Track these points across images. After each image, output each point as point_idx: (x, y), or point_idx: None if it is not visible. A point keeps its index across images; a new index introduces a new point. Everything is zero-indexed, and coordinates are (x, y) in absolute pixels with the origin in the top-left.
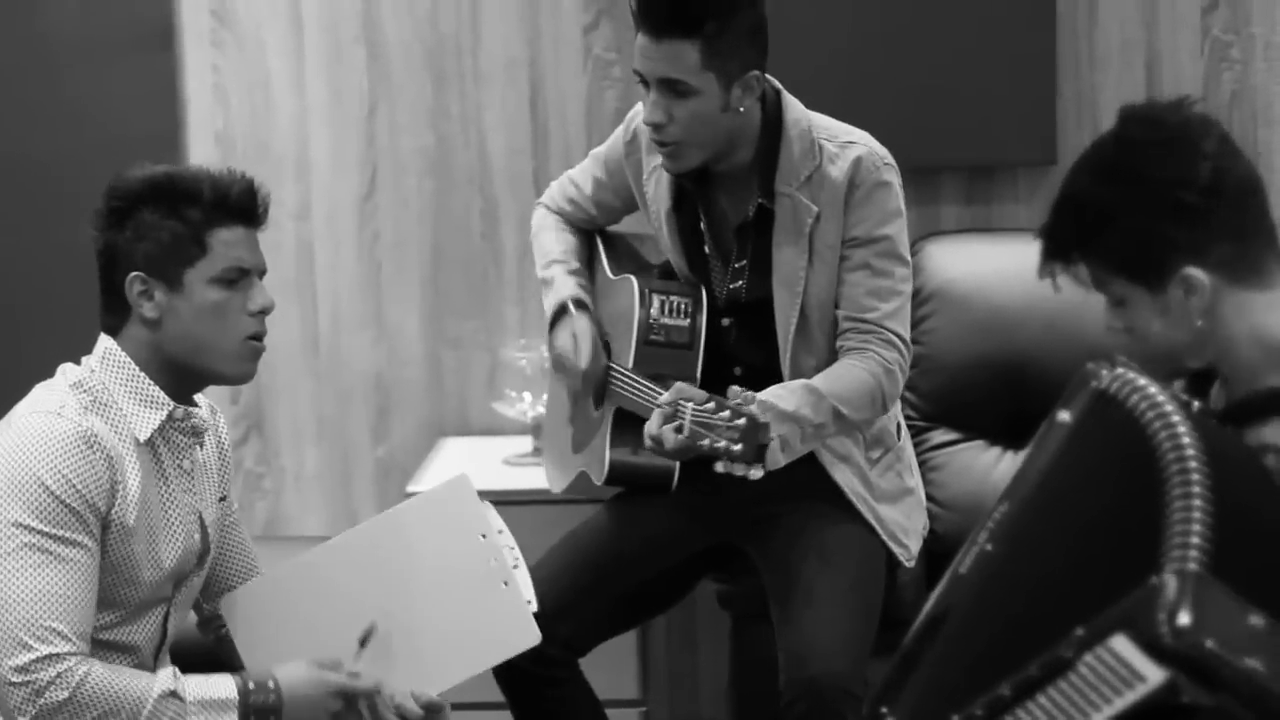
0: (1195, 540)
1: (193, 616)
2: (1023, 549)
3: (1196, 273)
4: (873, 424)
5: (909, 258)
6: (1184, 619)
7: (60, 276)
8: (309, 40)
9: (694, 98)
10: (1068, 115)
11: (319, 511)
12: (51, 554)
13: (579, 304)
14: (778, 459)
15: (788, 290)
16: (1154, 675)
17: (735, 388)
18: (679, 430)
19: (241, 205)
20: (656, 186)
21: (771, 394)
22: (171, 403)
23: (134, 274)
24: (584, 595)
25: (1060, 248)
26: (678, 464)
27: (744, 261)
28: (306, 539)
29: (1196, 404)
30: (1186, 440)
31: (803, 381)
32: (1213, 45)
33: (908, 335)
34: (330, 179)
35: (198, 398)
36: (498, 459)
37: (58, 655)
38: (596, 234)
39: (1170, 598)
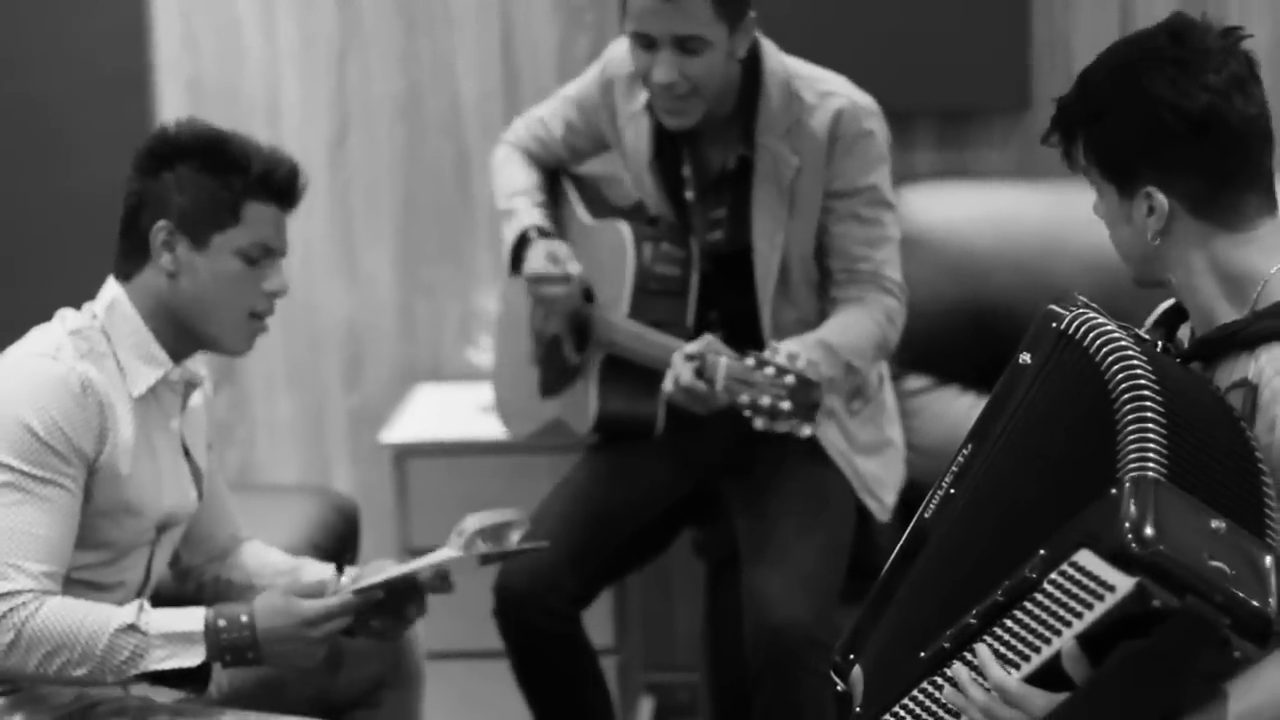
0: (1151, 451)
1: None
2: (986, 491)
3: (1159, 195)
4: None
5: (894, 202)
6: (1147, 525)
7: (30, 219)
8: None
9: (707, 51)
10: (1041, 59)
11: (291, 460)
12: (28, 492)
13: (543, 232)
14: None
15: (768, 242)
16: (1122, 583)
17: (775, 343)
18: (711, 383)
19: (282, 186)
20: (636, 133)
21: (787, 350)
22: (170, 362)
23: (163, 222)
24: (588, 548)
25: (1059, 120)
26: (663, 410)
27: (723, 211)
28: (280, 488)
29: (1160, 344)
30: (1140, 370)
31: (815, 337)
32: None
33: (902, 280)
34: (301, 125)
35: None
36: (471, 406)
37: (13, 593)
38: (563, 175)
39: (1131, 505)
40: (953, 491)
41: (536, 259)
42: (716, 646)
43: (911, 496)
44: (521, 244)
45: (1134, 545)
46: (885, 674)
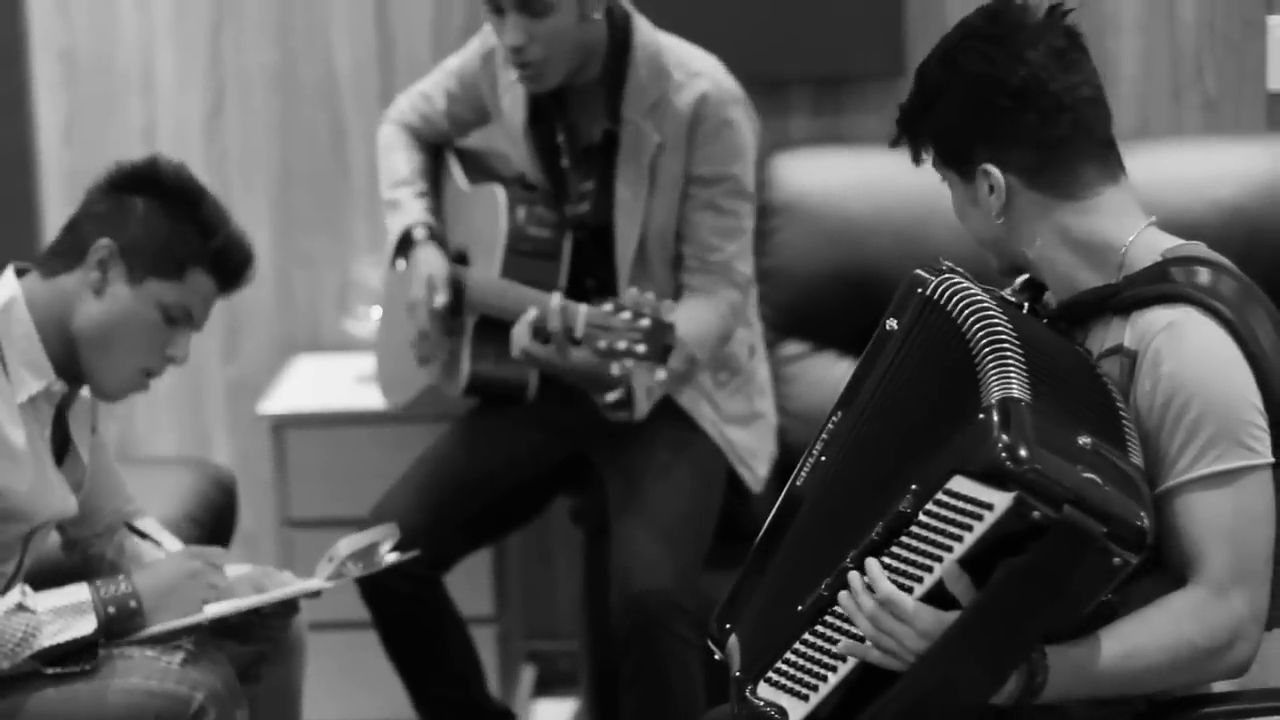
0: (1014, 379)
1: (55, 538)
2: (856, 454)
3: (994, 170)
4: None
5: (753, 193)
6: (1020, 442)
7: None
8: None
9: (552, 14)
10: (915, 26)
11: (170, 431)
12: None
13: (427, 230)
14: (642, 406)
15: (628, 219)
16: (1000, 500)
17: (634, 290)
18: (570, 330)
19: (231, 270)
20: (513, 102)
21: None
22: (53, 375)
23: (110, 242)
24: (443, 511)
25: (905, 121)
26: (535, 374)
27: (590, 184)
28: (158, 460)
29: (1026, 305)
30: (1000, 324)
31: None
32: None
33: (751, 272)
34: (176, 97)
35: None
36: (349, 376)
37: None
38: (447, 149)
39: (1000, 424)
40: (823, 459)
41: (417, 281)
42: (594, 614)
43: (787, 464)
44: (405, 242)
45: (1008, 461)
46: (765, 636)
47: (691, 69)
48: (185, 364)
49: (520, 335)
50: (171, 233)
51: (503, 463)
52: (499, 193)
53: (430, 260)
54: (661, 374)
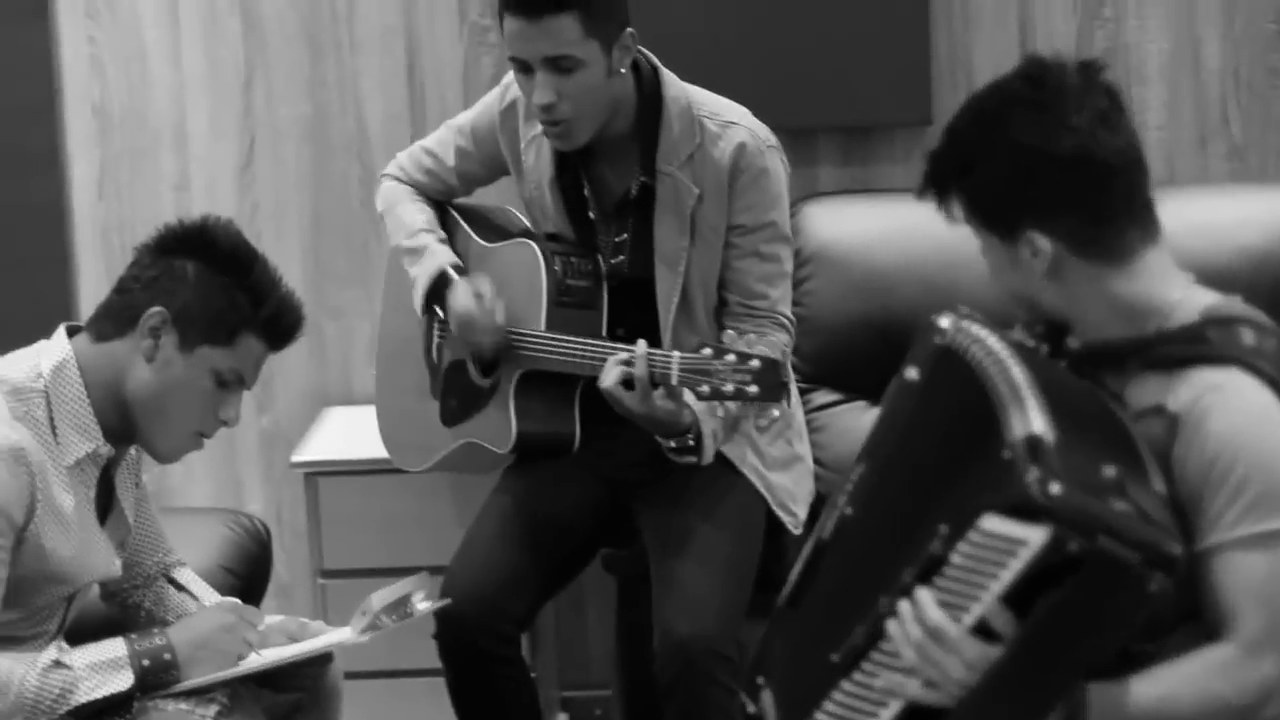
0: (1035, 415)
1: (95, 588)
2: (882, 504)
3: (1042, 239)
4: None
5: (791, 236)
6: (1051, 475)
7: None
8: (184, 11)
9: (581, 70)
10: (942, 75)
11: (204, 482)
12: None
13: (460, 270)
14: (709, 451)
15: (669, 269)
16: (1035, 536)
17: (731, 332)
18: (666, 381)
19: (282, 333)
20: (537, 156)
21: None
22: (101, 439)
23: (162, 310)
24: (528, 568)
25: (934, 177)
26: (578, 426)
27: (624, 237)
28: (193, 510)
29: (1044, 349)
30: (1016, 367)
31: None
32: (1085, 3)
33: (792, 314)
34: (208, 149)
35: None
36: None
37: None
38: (449, 207)
39: (1029, 459)
40: (848, 510)
41: (463, 299)
42: (628, 662)
43: (820, 511)
44: (440, 283)
45: (1041, 495)
46: (800, 687)
47: (726, 119)
48: (237, 424)
49: (610, 375)
50: (224, 300)
51: (562, 518)
52: (533, 246)
53: (476, 281)
54: (776, 412)
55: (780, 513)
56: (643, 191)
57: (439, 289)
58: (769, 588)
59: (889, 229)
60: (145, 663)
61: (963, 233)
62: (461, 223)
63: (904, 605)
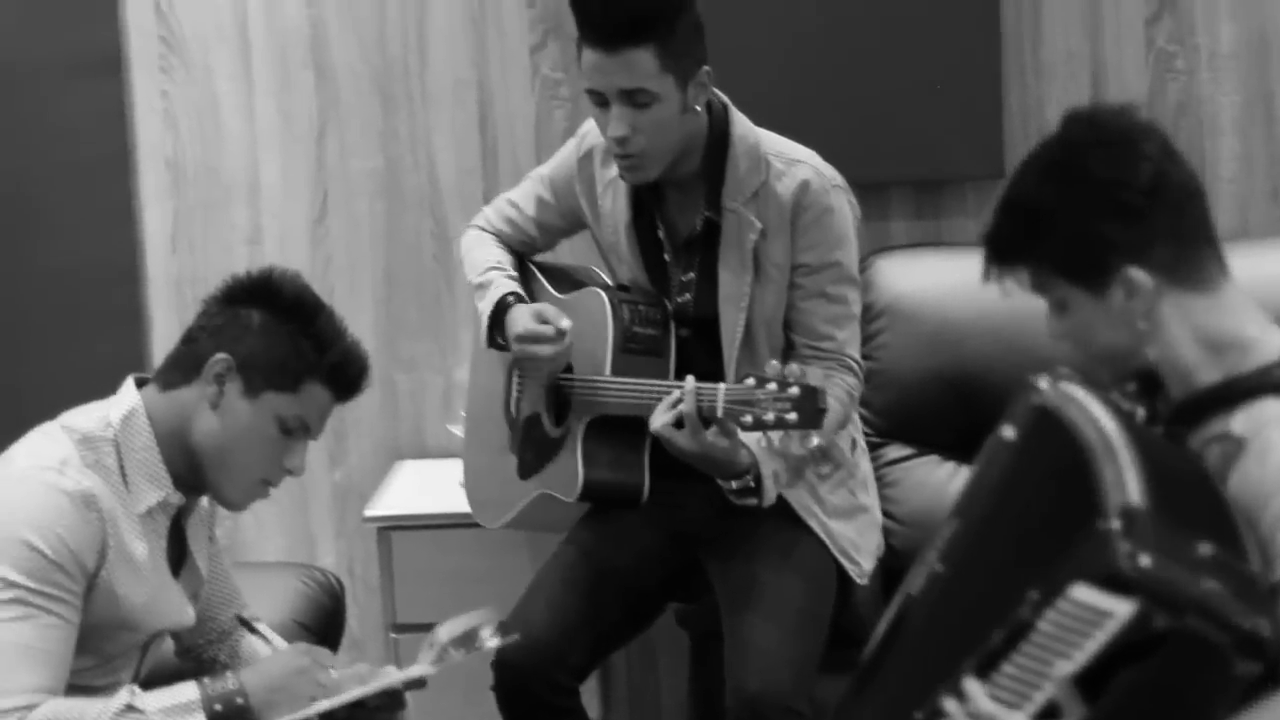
0: (1132, 486)
1: (169, 643)
2: (973, 565)
3: (1138, 273)
4: None
5: (858, 278)
6: (1142, 548)
7: (10, 298)
8: (257, 65)
9: (656, 105)
10: (1014, 128)
11: (277, 536)
12: (32, 607)
13: (521, 298)
14: (770, 493)
15: (733, 306)
16: (1122, 609)
17: (774, 362)
18: (712, 413)
19: (347, 382)
20: (614, 200)
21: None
22: (171, 487)
23: (226, 356)
24: (588, 618)
25: (1002, 251)
26: (647, 477)
27: (691, 275)
28: (266, 564)
29: (1141, 411)
30: (1113, 432)
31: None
32: (1157, 56)
33: (860, 357)
34: (281, 203)
35: None
36: (454, 481)
37: (13, 709)
38: (528, 260)
39: (1123, 532)
40: (938, 567)
41: (523, 319)
42: (701, 718)
43: (892, 564)
44: (500, 311)
45: (1131, 569)
46: None
47: (791, 157)
48: (302, 474)
49: (660, 417)
50: (288, 346)
51: (628, 570)
52: (601, 293)
53: (536, 305)
54: (815, 440)
55: (843, 560)
56: (707, 228)
57: (500, 317)
58: (837, 642)
59: (961, 283)
60: (218, 707)
61: None
62: (538, 275)
63: (970, 684)
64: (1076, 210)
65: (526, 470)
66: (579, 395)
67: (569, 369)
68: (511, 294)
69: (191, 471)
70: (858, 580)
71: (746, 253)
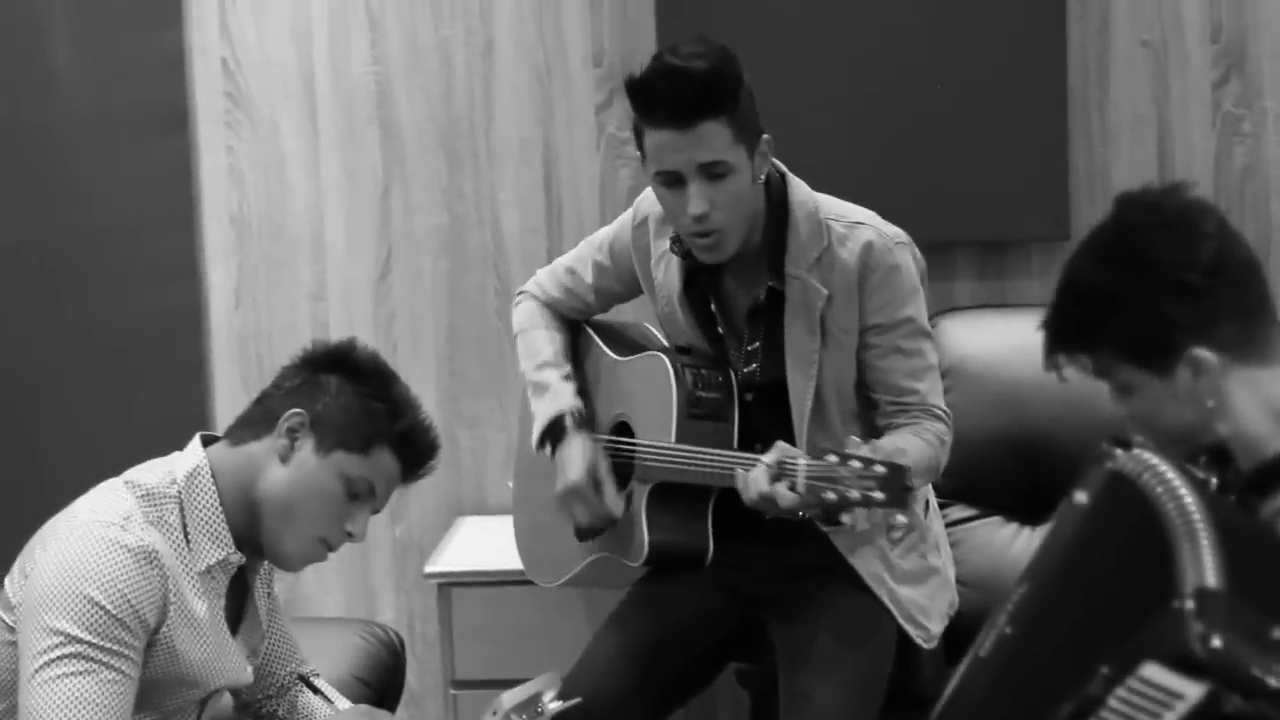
0: (1208, 564)
1: (228, 697)
2: (1043, 630)
3: (1204, 353)
4: None
5: (930, 329)
6: (1215, 631)
7: (78, 350)
8: (323, 121)
9: (731, 176)
10: (1080, 190)
11: (337, 592)
12: (94, 662)
13: (577, 418)
14: (862, 522)
15: (801, 373)
16: (1192, 691)
17: (854, 438)
18: (792, 488)
19: (416, 454)
20: (666, 271)
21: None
22: (232, 546)
23: (302, 412)
24: (648, 680)
25: (1064, 338)
26: (711, 540)
27: (756, 344)
28: (326, 620)
29: (1214, 481)
30: (1192, 506)
31: (875, 441)
32: (1224, 119)
33: (947, 406)
34: (345, 259)
35: None
36: (513, 539)
37: None
38: (584, 324)
39: (1197, 614)
40: (1008, 630)
41: (576, 468)
42: None
43: (958, 625)
44: (557, 428)
45: (1204, 652)
46: None
47: (852, 220)
48: (362, 540)
49: (759, 481)
50: (362, 409)
51: (688, 630)
52: (663, 358)
53: (587, 450)
54: (901, 518)
55: (908, 626)
56: (771, 297)
57: (555, 431)
58: (900, 703)
59: (1026, 344)
60: None
61: None
62: (595, 338)
63: None
64: (1139, 294)
65: (584, 533)
66: (642, 461)
67: (628, 431)
68: (572, 411)
69: (252, 530)
70: (924, 645)
71: (814, 320)
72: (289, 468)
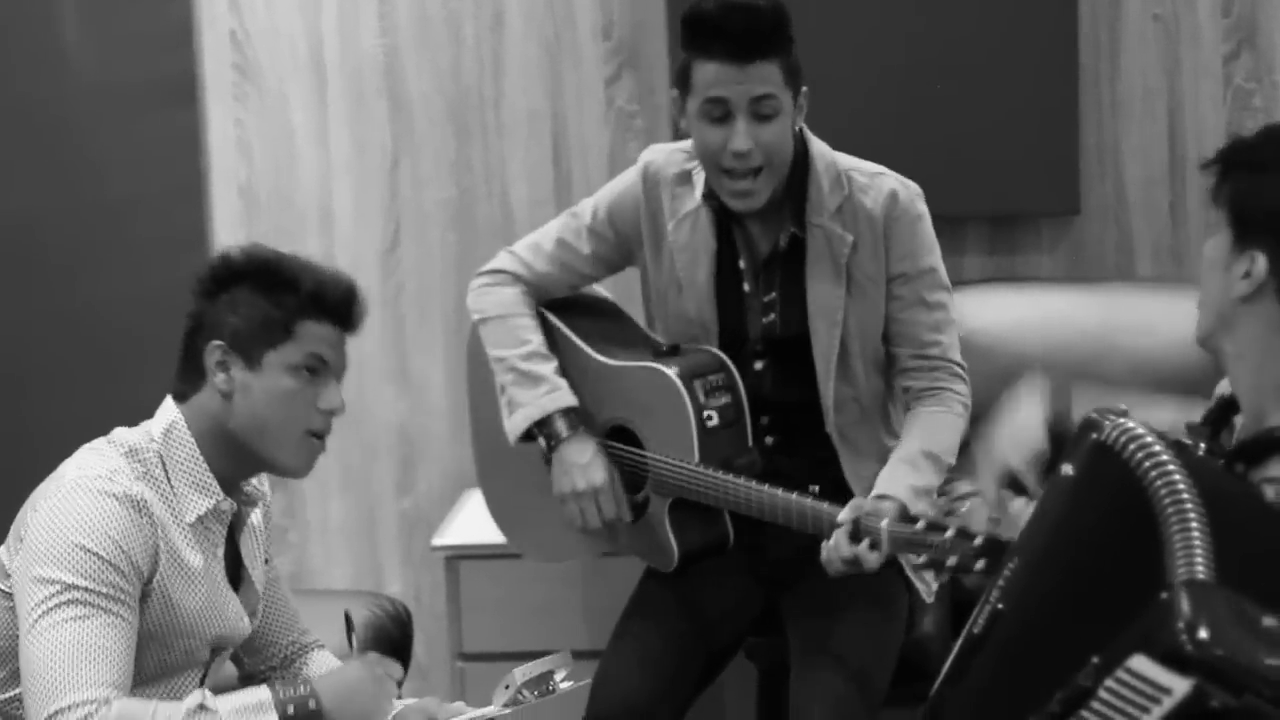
0: (1198, 554)
1: (232, 669)
2: (1033, 605)
3: (1262, 262)
4: None
5: (950, 285)
6: (1201, 626)
7: (88, 324)
8: (332, 94)
9: (777, 119)
10: (1090, 165)
11: (344, 564)
12: (93, 607)
13: (572, 418)
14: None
15: (826, 322)
16: (1179, 686)
17: (941, 500)
18: (874, 546)
19: (336, 304)
20: (693, 230)
21: (902, 473)
22: (220, 493)
23: (217, 343)
24: (678, 674)
25: (1229, 155)
26: (730, 526)
27: (773, 295)
28: (332, 592)
29: (1203, 446)
30: (1178, 477)
31: (920, 450)
32: (1235, 93)
33: (962, 360)
34: (353, 232)
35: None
36: None
37: (84, 702)
38: (547, 310)
39: (1184, 607)
40: (1000, 606)
41: (597, 470)
42: None
43: (959, 598)
44: (553, 424)
45: (1189, 647)
46: None
47: (872, 171)
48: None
49: (840, 549)
50: (263, 304)
51: (715, 619)
52: (670, 375)
53: (601, 455)
54: (979, 565)
55: (915, 579)
56: (792, 244)
57: (549, 426)
58: (903, 674)
59: (1035, 318)
60: (290, 709)
61: (1110, 323)
62: (569, 333)
63: None
64: (1274, 179)
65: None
66: (659, 475)
67: (628, 436)
68: (567, 413)
69: (243, 464)
70: (925, 599)
71: (840, 267)
72: (238, 396)
